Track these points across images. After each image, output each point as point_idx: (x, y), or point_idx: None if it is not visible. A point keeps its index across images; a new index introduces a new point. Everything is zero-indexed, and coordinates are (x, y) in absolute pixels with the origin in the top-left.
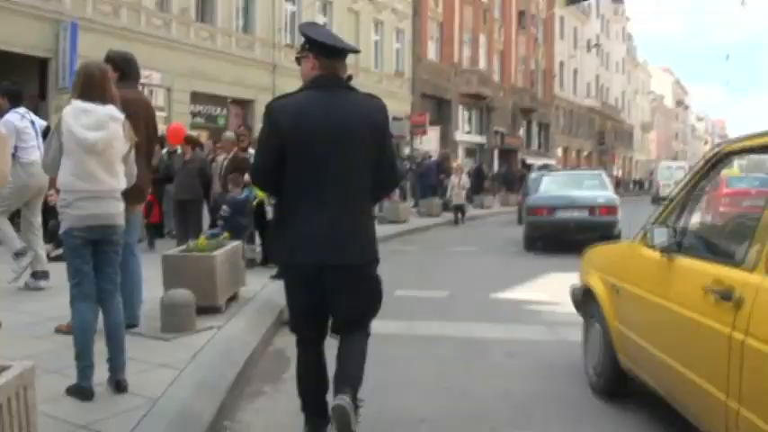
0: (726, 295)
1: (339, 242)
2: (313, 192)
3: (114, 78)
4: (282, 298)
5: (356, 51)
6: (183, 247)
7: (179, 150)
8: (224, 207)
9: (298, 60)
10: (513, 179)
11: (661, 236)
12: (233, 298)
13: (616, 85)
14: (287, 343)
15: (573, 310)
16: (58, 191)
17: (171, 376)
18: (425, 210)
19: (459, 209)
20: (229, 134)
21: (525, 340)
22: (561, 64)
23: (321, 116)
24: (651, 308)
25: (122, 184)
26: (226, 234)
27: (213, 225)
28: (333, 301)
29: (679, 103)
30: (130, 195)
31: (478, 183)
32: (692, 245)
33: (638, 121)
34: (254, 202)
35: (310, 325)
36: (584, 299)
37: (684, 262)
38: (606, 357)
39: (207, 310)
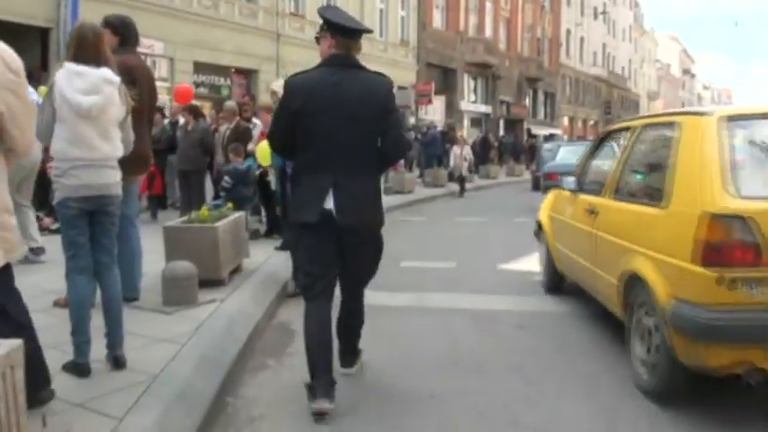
0: (592, 211)
1: (347, 205)
2: (323, 160)
3: (114, 44)
4: (287, 270)
5: (369, 31)
6: (185, 218)
7: (181, 120)
8: (226, 178)
9: (317, 40)
10: (520, 149)
11: (569, 183)
12: (236, 270)
13: (623, 53)
14: (291, 315)
15: None
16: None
17: (172, 351)
18: (431, 180)
19: (461, 180)
20: (230, 104)
21: (535, 312)
22: (568, 32)
23: (330, 92)
24: (566, 226)
25: (119, 151)
26: (229, 205)
27: (217, 196)
28: (343, 258)
29: (685, 71)
30: (132, 165)
31: (484, 153)
32: (584, 187)
33: (645, 90)
34: (257, 172)
35: (320, 280)
36: (538, 230)
37: (580, 197)
38: (548, 265)
39: (209, 282)
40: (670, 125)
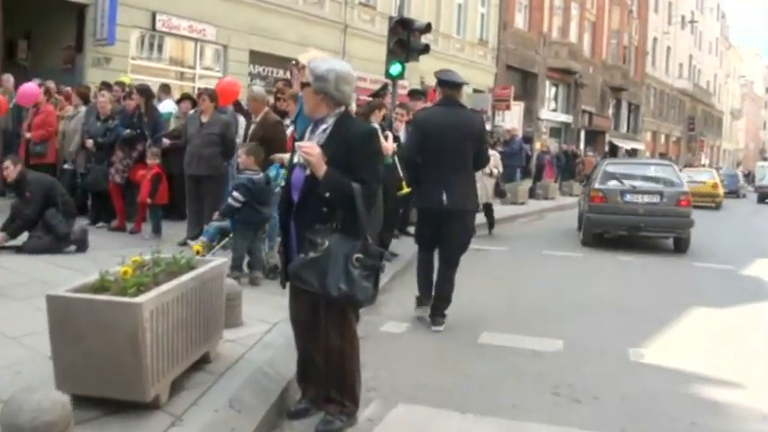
0: None
1: (454, 197)
2: (437, 167)
3: None
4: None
5: (466, 83)
6: (93, 279)
7: (191, 111)
8: (234, 193)
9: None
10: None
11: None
12: (203, 360)
13: (708, 66)
14: None
15: None
16: None
17: None
18: (510, 196)
19: (487, 210)
20: (258, 89)
21: None
22: (654, 40)
23: (442, 123)
24: None
25: None
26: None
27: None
28: (444, 236)
29: None
30: None
31: (569, 167)
32: None
33: (728, 108)
34: (281, 184)
35: (429, 241)
36: None
37: None
38: None
39: (126, 407)
40: None
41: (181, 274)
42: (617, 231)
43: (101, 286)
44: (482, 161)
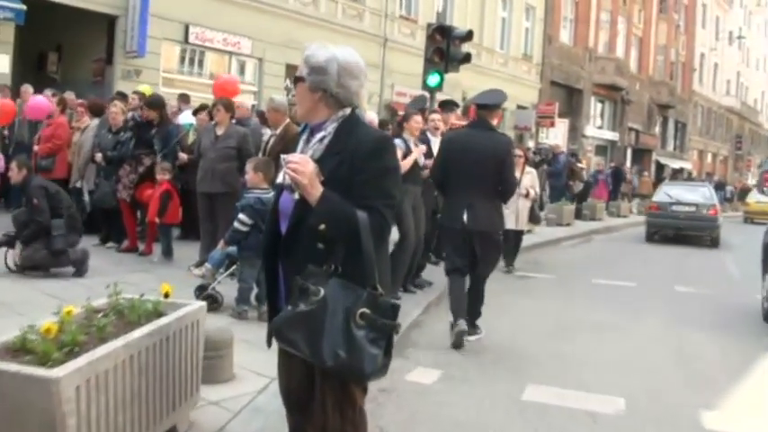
0: None
1: (475, 218)
2: (460, 188)
3: None
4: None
5: (496, 105)
6: (12, 336)
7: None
8: (240, 215)
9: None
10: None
11: None
12: None
13: (756, 84)
14: None
15: None
16: None
17: None
18: (555, 217)
19: (515, 240)
20: (280, 99)
21: None
22: (702, 56)
23: (465, 145)
24: None
25: None
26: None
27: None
28: (473, 255)
29: None
30: None
31: (616, 186)
32: None
33: None
34: None
35: (458, 263)
36: None
37: None
38: None
39: None
40: None
41: (141, 326)
42: (667, 231)
43: (21, 347)
44: (506, 188)
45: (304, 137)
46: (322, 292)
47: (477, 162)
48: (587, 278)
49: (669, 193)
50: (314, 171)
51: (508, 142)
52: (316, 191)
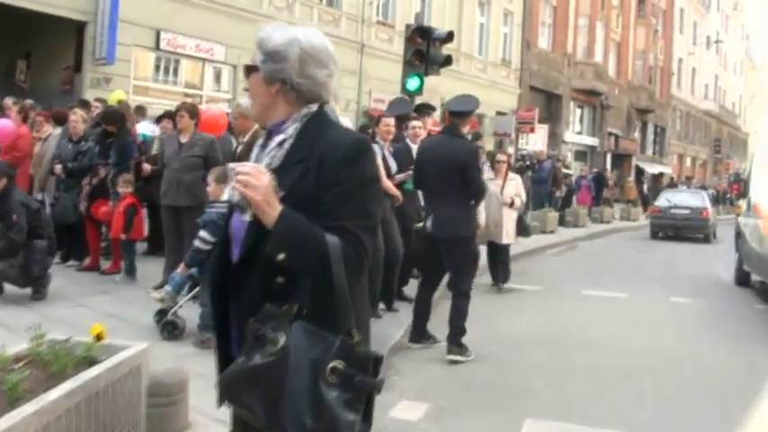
0: None
1: (439, 224)
2: (428, 196)
3: None
4: None
5: (467, 111)
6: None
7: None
8: (201, 233)
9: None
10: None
11: None
12: None
13: (733, 88)
14: None
15: None
16: None
17: None
18: (539, 224)
19: (504, 255)
20: (247, 103)
21: None
22: (680, 61)
23: (433, 153)
24: None
25: None
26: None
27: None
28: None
29: None
30: None
31: (599, 192)
32: None
33: (753, 130)
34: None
35: (425, 273)
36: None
37: None
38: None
39: None
40: None
41: (64, 379)
42: (666, 231)
43: None
44: (474, 190)
45: (260, 141)
46: (282, 340)
47: (440, 169)
48: (577, 289)
49: (669, 198)
50: (270, 184)
51: (470, 148)
52: (273, 210)
